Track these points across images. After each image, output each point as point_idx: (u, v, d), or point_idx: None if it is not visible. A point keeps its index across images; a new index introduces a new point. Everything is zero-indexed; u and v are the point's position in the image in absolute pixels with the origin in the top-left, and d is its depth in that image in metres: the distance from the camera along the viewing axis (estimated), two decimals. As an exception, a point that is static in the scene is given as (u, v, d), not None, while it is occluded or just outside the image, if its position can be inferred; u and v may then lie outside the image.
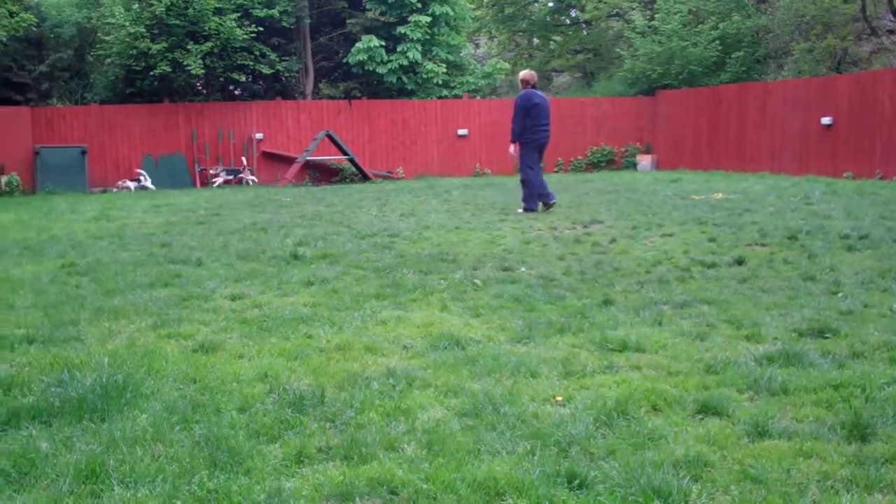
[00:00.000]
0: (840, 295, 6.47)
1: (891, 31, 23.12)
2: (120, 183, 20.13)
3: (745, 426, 3.81)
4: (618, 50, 28.30)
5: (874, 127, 17.55)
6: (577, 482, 3.27)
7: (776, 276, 7.28)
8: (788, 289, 6.74)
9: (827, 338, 5.27)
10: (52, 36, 20.87)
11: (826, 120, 18.55)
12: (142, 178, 20.12)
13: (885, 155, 17.28)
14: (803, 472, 3.35)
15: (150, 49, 20.07)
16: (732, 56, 23.36)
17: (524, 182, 12.98)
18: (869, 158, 17.56)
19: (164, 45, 20.19)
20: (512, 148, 13.24)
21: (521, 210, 12.91)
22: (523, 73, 13.43)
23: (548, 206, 12.82)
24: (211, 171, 20.88)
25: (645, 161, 22.95)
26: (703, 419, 3.94)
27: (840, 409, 3.98)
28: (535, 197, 12.86)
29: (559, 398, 4.26)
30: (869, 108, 17.67)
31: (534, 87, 13.13)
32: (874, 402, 4.03)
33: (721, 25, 23.44)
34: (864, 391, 4.19)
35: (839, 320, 5.66)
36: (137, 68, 20.77)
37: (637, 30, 25.08)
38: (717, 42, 23.31)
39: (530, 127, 12.87)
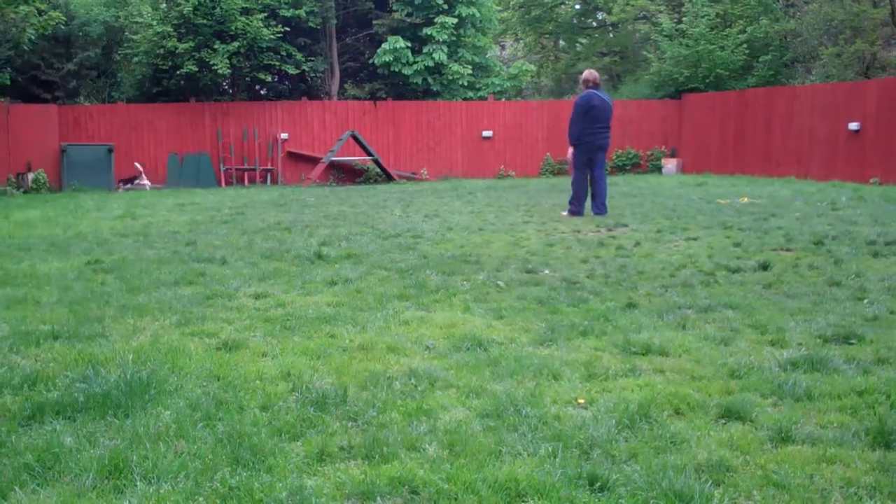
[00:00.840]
0: (866, 301, 6.41)
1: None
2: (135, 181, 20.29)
3: (768, 431, 3.78)
4: (644, 53, 28.21)
5: (903, 132, 17.37)
6: (598, 485, 3.26)
7: (801, 282, 7.22)
8: (814, 294, 6.68)
9: (852, 344, 5.23)
10: (80, 34, 21.06)
11: (853, 125, 18.38)
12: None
13: (913, 161, 17.11)
14: (827, 478, 3.32)
15: (176, 48, 20.21)
16: (760, 60, 23.20)
17: (572, 184, 12.71)
18: (897, 164, 17.39)
19: (191, 44, 20.32)
20: (570, 152, 12.77)
21: (564, 213, 12.66)
22: (585, 73, 12.98)
23: (572, 213, 12.51)
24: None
25: (670, 164, 22.83)
26: (725, 424, 3.92)
27: (864, 416, 3.94)
28: (582, 200, 12.53)
29: (581, 400, 4.25)
30: (897, 114, 17.49)
31: (596, 87, 12.70)
32: (900, 410, 3.99)
33: (749, 29, 23.29)
34: (889, 398, 4.15)
35: (864, 326, 5.61)
36: (164, 67, 20.92)
37: (664, 33, 24.97)
38: (745, 46, 23.16)
39: (585, 129, 12.47)
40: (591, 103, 12.48)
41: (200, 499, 3.18)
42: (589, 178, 12.67)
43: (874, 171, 17.74)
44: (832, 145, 19.01)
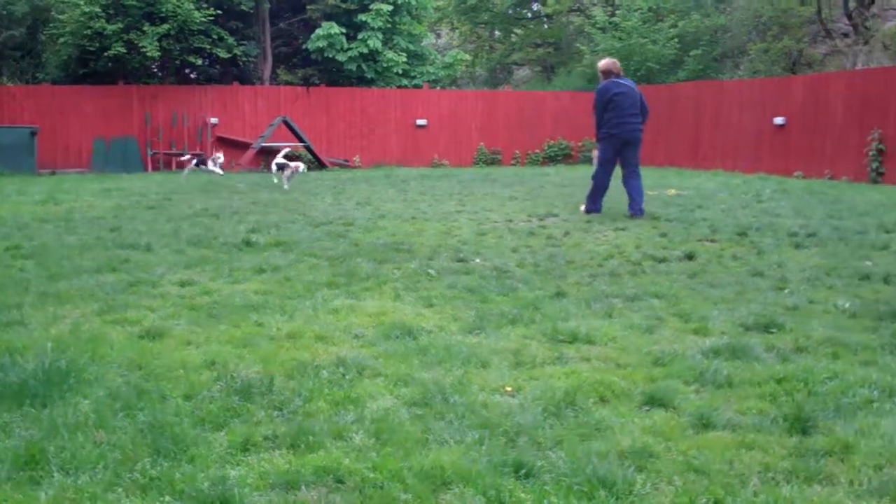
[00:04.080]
0: (786, 291, 6.56)
1: (845, 35, 23.48)
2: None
3: (690, 418, 3.85)
4: (578, 45, 28.44)
5: (825, 128, 17.84)
6: (524, 471, 3.27)
7: (725, 272, 7.36)
8: (736, 284, 6.82)
9: (772, 332, 5.34)
10: (3, 13, 20.43)
11: (779, 120, 18.81)
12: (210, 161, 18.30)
13: (834, 156, 17.60)
14: (745, 463, 3.38)
15: (104, 29, 19.73)
16: (690, 54, 23.60)
17: (592, 178, 11.64)
18: (819, 159, 17.85)
19: (120, 25, 19.86)
20: (596, 150, 11.99)
21: (582, 208, 11.67)
22: (602, 63, 11.82)
23: (587, 211, 11.49)
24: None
25: (601, 156, 23.05)
26: (649, 411, 3.97)
27: (783, 403, 4.03)
28: (598, 197, 11.48)
29: (509, 388, 4.26)
30: (821, 110, 17.96)
31: (617, 75, 11.52)
32: (816, 396, 4.09)
33: (680, 24, 23.66)
34: (807, 385, 4.25)
35: (785, 315, 5.74)
36: (91, 49, 20.42)
37: (597, 25, 25.24)
38: (676, 40, 23.53)
39: (609, 120, 11.33)
40: (613, 91, 11.31)
41: (119, 490, 3.11)
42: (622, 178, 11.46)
43: (798, 164, 18.19)
44: (758, 139, 19.44)
